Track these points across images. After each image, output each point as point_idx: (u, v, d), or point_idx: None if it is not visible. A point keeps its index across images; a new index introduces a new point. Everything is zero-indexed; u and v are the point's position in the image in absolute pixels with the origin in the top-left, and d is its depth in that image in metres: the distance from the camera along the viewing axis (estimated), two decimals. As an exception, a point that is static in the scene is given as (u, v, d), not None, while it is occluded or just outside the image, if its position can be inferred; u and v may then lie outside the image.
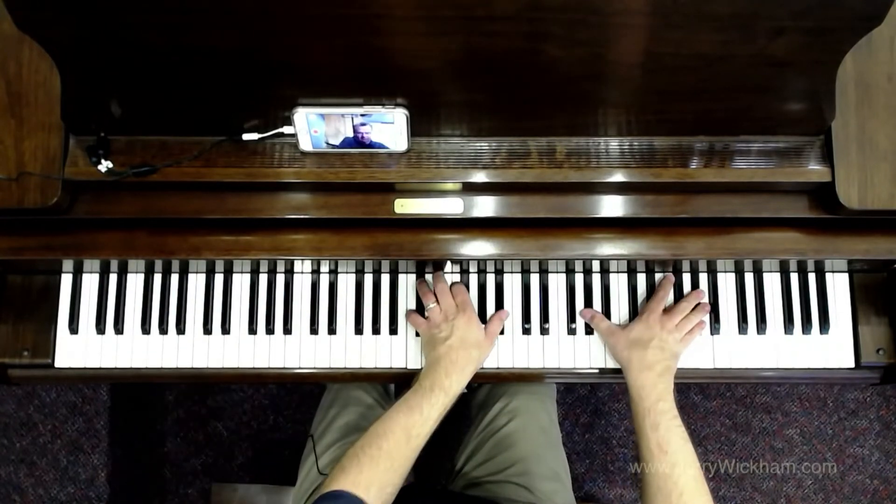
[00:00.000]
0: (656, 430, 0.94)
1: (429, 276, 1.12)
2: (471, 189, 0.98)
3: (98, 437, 1.84)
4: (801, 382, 1.81)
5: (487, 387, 1.31)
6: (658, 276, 1.12)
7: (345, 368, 1.10)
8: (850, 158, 0.93)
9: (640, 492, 0.93)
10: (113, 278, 1.11)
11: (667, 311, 1.07)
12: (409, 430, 0.92)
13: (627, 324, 1.09)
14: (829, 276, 1.11)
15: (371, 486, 0.85)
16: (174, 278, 1.11)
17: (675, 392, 1.00)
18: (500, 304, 1.10)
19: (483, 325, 1.07)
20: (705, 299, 1.11)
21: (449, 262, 1.09)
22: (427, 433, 0.94)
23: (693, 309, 1.08)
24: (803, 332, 1.10)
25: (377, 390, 1.28)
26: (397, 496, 0.89)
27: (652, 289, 1.11)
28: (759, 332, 1.10)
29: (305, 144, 0.93)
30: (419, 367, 1.10)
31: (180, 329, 1.10)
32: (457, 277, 1.11)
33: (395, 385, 1.42)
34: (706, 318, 1.09)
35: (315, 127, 0.90)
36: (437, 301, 1.07)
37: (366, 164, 0.94)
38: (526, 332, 1.10)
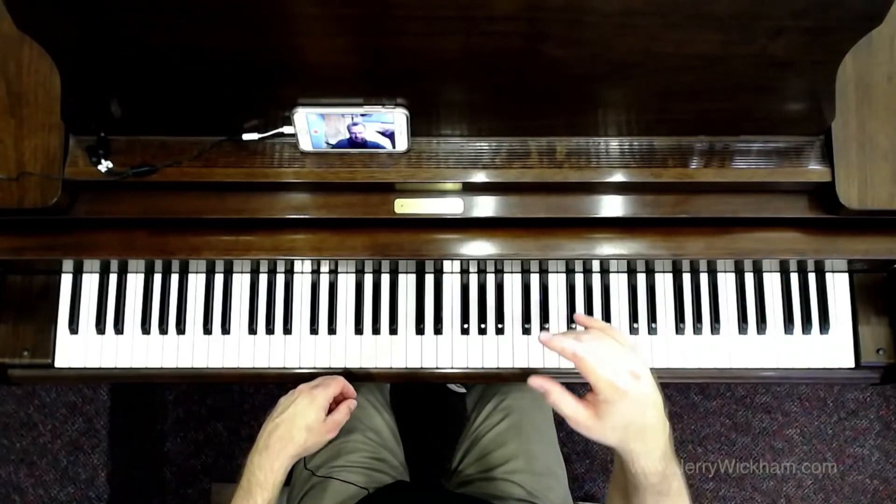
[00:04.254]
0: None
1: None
2: (471, 189, 0.98)
3: (98, 437, 1.84)
4: (801, 382, 1.81)
5: (481, 386, 1.31)
6: (658, 276, 1.11)
7: (345, 368, 1.09)
8: (850, 158, 0.93)
9: None
10: (113, 278, 1.11)
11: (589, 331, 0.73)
12: None
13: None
14: (829, 276, 1.11)
15: None
16: (174, 278, 1.11)
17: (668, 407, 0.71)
18: (500, 304, 1.10)
19: (328, 413, 0.97)
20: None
21: (449, 262, 1.09)
22: None
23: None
24: (803, 332, 1.10)
25: (371, 392, 1.28)
26: (393, 494, 0.88)
27: (652, 289, 1.11)
28: (759, 332, 1.10)
29: (305, 144, 0.93)
30: (419, 366, 1.10)
31: (180, 329, 1.10)
32: (457, 277, 1.11)
33: (390, 385, 1.42)
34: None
35: (315, 127, 0.90)
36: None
37: (366, 164, 0.94)
38: (526, 332, 1.10)
